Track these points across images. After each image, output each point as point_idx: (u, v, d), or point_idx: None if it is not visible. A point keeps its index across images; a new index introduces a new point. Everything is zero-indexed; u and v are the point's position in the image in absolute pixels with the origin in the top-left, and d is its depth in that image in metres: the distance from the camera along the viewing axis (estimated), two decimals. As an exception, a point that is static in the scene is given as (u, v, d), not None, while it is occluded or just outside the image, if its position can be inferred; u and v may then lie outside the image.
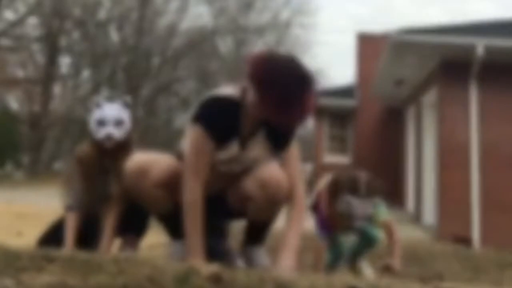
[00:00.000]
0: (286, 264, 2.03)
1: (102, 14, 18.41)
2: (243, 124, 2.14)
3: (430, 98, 7.52)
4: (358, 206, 2.56)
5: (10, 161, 22.39)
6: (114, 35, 19.92)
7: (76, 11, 17.34)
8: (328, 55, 47.08)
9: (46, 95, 17.84)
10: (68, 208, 2.59)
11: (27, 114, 19.04)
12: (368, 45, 13.63)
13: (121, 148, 2.60)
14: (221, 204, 2.33)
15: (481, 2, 49.79)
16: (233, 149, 2.18)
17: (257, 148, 2.19)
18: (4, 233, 4.16)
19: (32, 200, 8.14)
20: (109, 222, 2.57)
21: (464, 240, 5.99)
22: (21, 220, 5.43)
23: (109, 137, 2.55)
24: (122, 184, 2.53)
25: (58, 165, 25.97)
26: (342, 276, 1.97)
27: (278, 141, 2.18)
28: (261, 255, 2.45)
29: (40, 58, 19.30)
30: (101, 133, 2.55)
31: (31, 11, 15.54)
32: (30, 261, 1.54)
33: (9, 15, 16.56)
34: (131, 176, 2.21)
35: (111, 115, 2.58)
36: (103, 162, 2.66)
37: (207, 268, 1.57)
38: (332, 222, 2.75)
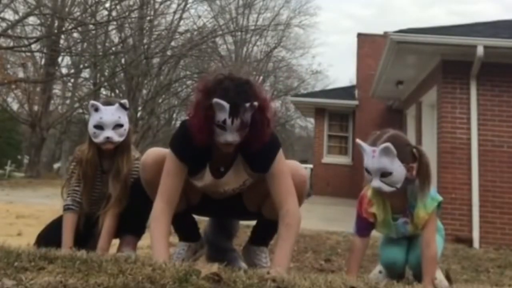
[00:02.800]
0: None
1: (102, 14, 18.40)
2: (214, 153, 2.18)
3: (430, 98, 7.52)
4: (370, 155, 2.21)
5: (10, 161, 22.39)
6: (114, 35, 19.93)
7: (76, 11, 17.34)
8: (329, 56, 47.09)
9: (46, 95, 17.82)
10: (66, 208, 2.60)
11: (27, 114, 19.03)
12: (369, 45, 13.64)
13: (120, 150, 2.63)
14: (236, 205, 2.38)
15: (482, 3, 49.82)
16: (206, 178, 2.23)
17: (238, 176, 2.23)
18: (4, 233, 4.16)
19: (32, 200, 8.14)
20: (107, 222, 2.57)
21: (464, 240, 5.99)
22: (21, 220, 5.43)
23: (108, 141, 2.57)
24: (121, 185, 2.59)
25: (57, 165, 25.99)
26: (341, 276, 1.96)
27: (258, 164, 2.19)
28: (264, 256, 2.47)
29: (40, 58, 19.31)
30: (100, 137, 2.56)
31: (31, 11, 15.52)
32: (30, 261, 1.54)
33: (9, 15, 16.56)
34: (149, 169, 2.29)
35: (109, 119, 2.57)
36: (102, 164, 2.68)
37: (207, 268, 1.57)
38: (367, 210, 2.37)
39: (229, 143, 2.03)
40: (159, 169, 2.22)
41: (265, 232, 2.47)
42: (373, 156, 2.20)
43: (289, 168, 2.22)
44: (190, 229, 2.55)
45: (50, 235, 2.59)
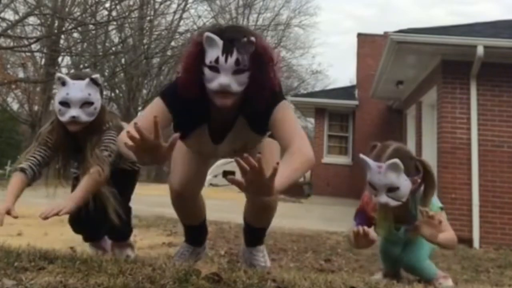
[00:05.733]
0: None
1: (102, 14, 18.41)
2: (211, 112, 1.84)
3: (430, 98, 7.51)
4: (375, 171, 2.19)
5: (10, 161, 22.38)
6: (114, 35, 19.94)
7: (76, 11, 17.35)
8: (329, 56, 47.14)
9: (46, 95, 17.82)
10: (20, 169, 2.29)
11: (27, 114, 19.03)
12: (369, 45, 13.64)
13: (91, 130, 2.31)
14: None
15: (483, 3, 49.82)
16: (204, 140, 1.96)
17: (239, 138, 1.93)
18: (4, 233, 4.16)
19: (32, 200, 8.12)
20: (84, 180, 2.19)
21: (464, 240, 5.98)
22: (21, 220, 5.41)
23: (74, 121, 2.25)
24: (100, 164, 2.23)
25: (58, 165, 25.96)
26: (341, 276, 1.96)
27: (262, 123, 1.82)
28: (261, 255, 2.47)
29: (40, 58, 19.32)
30: (66, 115, 2.24)
31: (31, 11, 15.52)
32: (30, 261, 1.54)
33: (9, 15, 16.56)
34: None
35: (77, 95, 2.24)
36: (73, 142, 2.38)
37: (207, 268, 1.57)
38: (370, 212, 2.40)
39: (224, 89, 1.65)
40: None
41: (255, 233, 2.46)
42: (379, 172, 2.19)
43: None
44: (201, 237, 2.55)
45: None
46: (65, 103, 2.25)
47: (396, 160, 2.17)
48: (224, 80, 1.64)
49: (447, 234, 2.26)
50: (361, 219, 2.43)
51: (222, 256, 3.44)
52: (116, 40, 19.74)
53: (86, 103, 2.27)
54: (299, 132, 1.74)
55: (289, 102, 1.93)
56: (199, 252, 2.54)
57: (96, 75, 2.35)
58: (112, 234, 2.63)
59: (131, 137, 1.31)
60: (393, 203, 2.22)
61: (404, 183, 2.20)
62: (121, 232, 2.60)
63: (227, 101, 1.68)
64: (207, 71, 1.67)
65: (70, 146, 2.37)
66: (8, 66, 18.36)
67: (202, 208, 2.41)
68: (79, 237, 2.72)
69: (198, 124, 1.89)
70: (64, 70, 20.40)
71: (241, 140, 1.96)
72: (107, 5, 17.82)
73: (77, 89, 2.25)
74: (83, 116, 2.25)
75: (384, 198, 2.21)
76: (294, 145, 1.65)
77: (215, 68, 1.65)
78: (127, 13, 17.63)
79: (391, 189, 2.20)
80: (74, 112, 2.23)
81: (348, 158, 13.36)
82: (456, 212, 6.21)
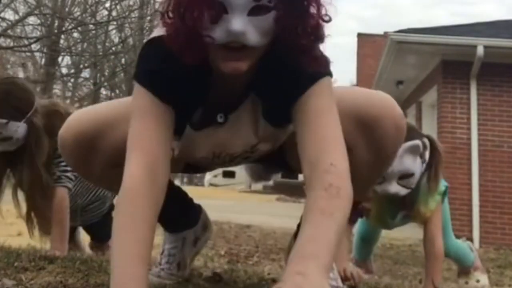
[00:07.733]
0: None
1: (102, 14, 18.44)
2: (212, 84, 1.11)
3: (430, 98, 7.52)
4: None
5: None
6: (114, 35, 19.97)
7: (76, 11, 17.37)
8: (329, 56, 47.18)
9: (46, 95, 17.80)
10: None
11: (27, 114, 19.00)
12: (369, 45, 13.66)
13: (22, 152, 1.91)
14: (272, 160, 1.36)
15: (485, 4, 49.90)
16: (187, 136, 1.18)
17: (243, 132, 1.18)
18: (4, 233, 4.16)
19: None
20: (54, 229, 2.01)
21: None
22: (21, 220, 5.42)
23: None
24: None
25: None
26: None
27: (283, 105, 1.09)
28: (332, 276, 1.37)
29: (40, 58, 19.34)
30: None
31: (31, 11, 15.54)
32: (30, 261, 1.53)
33: (9, 15, 16.58)
34: (69, 151, 1.30)
35: None
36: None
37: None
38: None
39: (236, 37, 0.93)
40: (82, 152, 1.26)
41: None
42: None
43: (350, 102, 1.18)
44: (181, 209, 1.46)
45: None
46: None
47: (417, 142, 1.78)
48: (237, 24, 0.93)
49: (437, 268, 2.02)
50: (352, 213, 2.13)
51: (222, 256, 3.44)
52: (116, 40, 19.75)
53: (4, 139, 1.86)
54: (337, 138, 1.03)
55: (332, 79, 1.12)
56: (196, 237, 1.49)
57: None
58: (97, 235, 2.50)
59: None
60: (403, 191, 1.84)
61: (419, 167, 1.83)
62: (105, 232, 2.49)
63: (240, 65, 0.98)
64: (211, 15, 0.95)
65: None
66: (8, 66, 18.37)
67: None
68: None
69: (193, 103, 1.14)
70: (64, 70, 20.45)
71: (247, 137, 1.20)
72: (107, 5, 17.85)
73: None
74: (8, 148, 1.90)
75: (394, 187, 1.80)
76: (327, 159, 0.98)
77: (222, 7, 0.94)
78: (127, 13, 17.65)
79: (405, 176, 1.81)
80: None
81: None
82: (456, 212, 6.21)
